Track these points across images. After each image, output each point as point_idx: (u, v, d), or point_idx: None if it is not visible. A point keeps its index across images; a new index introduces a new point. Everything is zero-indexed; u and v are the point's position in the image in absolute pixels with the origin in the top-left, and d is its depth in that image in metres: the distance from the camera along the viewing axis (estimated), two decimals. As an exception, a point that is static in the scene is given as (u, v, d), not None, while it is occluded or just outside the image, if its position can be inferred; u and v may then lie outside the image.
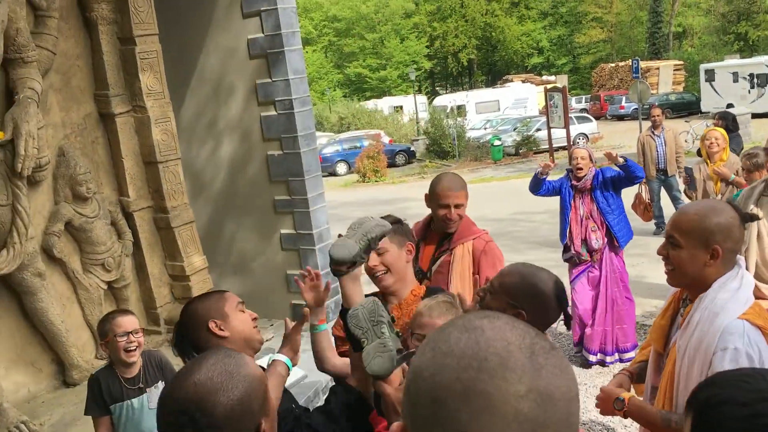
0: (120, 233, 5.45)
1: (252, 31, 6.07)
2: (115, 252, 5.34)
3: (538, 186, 5.76)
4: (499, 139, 25.28)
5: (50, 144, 4.87)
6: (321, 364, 2.56)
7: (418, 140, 29.74)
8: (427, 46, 54.30)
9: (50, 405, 4.76)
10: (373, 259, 2.49)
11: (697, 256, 2.03)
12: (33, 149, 4.45)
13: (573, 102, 36.14)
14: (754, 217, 2.31)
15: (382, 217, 2.47)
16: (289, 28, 5.99)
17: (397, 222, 2.62)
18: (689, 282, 2.11)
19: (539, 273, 2.13)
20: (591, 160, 5.62)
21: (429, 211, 3.33)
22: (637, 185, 9.45)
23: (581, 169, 5.54)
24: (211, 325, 2.11)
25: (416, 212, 4.89)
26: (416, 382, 0.82)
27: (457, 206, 3.18)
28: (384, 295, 2.61)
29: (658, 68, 37.95)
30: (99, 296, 5.26)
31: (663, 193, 9.66)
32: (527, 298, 2.04)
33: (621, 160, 5.48)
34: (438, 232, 3.31)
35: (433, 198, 3.23)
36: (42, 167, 4.69)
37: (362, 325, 2.00)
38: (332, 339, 2.68)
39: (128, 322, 3.17)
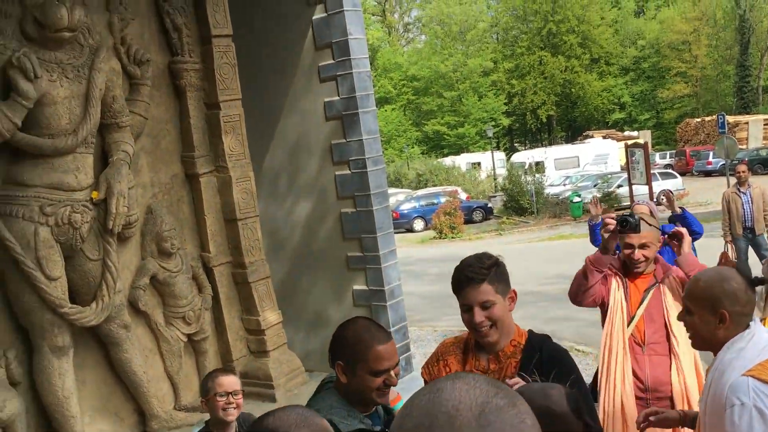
0: (200, 287, 5.67)
1: (328, 94, 6.33)
2: (196, 305, 5.55)
3: (593, 235, 5.66)
4: (579, 196, 24.84)
5: (139, 203, 5.19)
6: None
7: (495, 197, 29.54)
8: (505, 103, 54.30)
9: (130, 453, 4.93)
10: (479, 314, 2.28)
11: (708, 321, 2.16)
12: (124, 208, 4.76)
13: (657, 158, 35.20)
14: (764, 281, 2.43)
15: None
16: (363, 91, 6.21)
17: (495, 264, 2.33)
18: (706, 345, 2.24)
19: (550, 392, 1.82)
20: (652, 215, 5.58)
21: None
22: (725, 244, 9.20)
23: None
24: (337, 367, 2.17)
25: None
26: None
27: (641, 246, 3.29)
28: (477, 344, 2.41)
29: (747, 123, 36.61)
30: (179, 348, 5.46)
31: (751, 252, 9.26)
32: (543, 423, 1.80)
33: (678, 209, 5.40)
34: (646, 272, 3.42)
35: (621, 238, 3.34)
36: (131, 225, 5.00)
37: None
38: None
39: (229, 383, 3.14)
